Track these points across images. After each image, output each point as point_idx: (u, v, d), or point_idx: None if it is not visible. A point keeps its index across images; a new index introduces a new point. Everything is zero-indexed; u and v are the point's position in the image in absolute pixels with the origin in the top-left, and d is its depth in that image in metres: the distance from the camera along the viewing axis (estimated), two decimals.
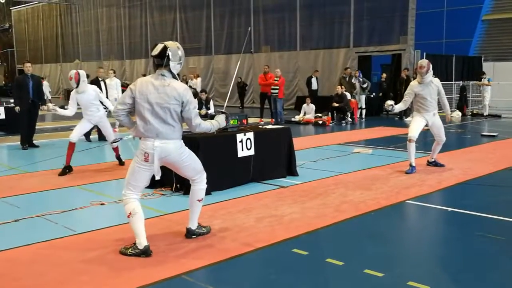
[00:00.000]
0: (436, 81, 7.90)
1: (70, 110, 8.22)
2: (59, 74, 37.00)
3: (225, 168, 6.73)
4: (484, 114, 18.27)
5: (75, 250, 4.48)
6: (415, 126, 7.85)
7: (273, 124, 11.19)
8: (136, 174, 4.31)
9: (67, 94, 32.13)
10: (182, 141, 4.39)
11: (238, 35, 24.86)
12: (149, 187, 6.80)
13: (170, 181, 6.64)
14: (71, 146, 8.09)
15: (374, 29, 19.82)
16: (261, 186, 6.92)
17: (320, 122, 15.66)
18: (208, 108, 14.24)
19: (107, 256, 4.32)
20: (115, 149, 8.69)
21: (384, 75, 19.42)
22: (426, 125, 7.96)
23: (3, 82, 39.43)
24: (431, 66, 7.74)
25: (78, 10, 34.68)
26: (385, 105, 8.00)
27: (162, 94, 4.16)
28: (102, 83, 12.49)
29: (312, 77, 19.05)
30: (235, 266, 4.15)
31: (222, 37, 25.48)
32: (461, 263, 4.17)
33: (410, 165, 7.75)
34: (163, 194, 6.51)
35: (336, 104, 16.06)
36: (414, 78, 17.31)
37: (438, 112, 8.03)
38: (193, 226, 4.73)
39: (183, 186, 6.52)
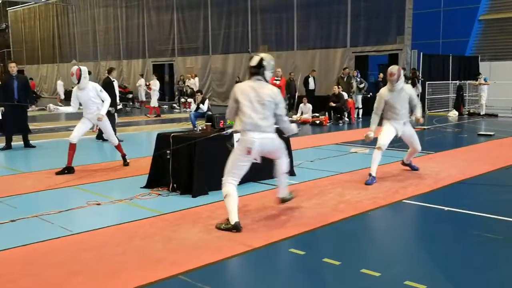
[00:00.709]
0: (408, 88, 7.47)
1: (72, 107, 8.18)
2: (56, 75, 36.91)
3: (222, 168, 6.69)
4: (481, 114, 18.31)
5: (71, 251, 4.46)
6: (385, 134, 7.30)
7: None
8: (237, 165, 5.01)
9: (66, 94, 32.12)
10: (275, 133, 5.14)
11: (235, 35, 24.85)
12: (145, 187, 6.82)
13: (167, 181, 6.63)
14: (72, 147, 8.05)
15: (371, 29, 19.84)
16: (258, 186, 6.91)
17: (317, 122, 15.66)
18: (201, 106, 14.09)
19: (104, 257, 4.30)
20: (120, 149, 8.65)
21: (381, 75, 19.42)
22: (397, 135, 7.42)
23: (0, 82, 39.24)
24: (402, 72, 7.27)
25: (75, 11, 34.61)
26: (365, 138, 7.44)
27: (260, 93, 4.96)
28: (114, 84, 12.49)
29: (309, 76, 19.06)
30: (232, 266, 4.14)
31: (220, 37, 25.47)
32: (457, 262, 4.17)
33: (370, 174, 7.08)
34: (159, 194, 6.49)
35: (333, 104, 16.06)
36: (410, 78, 17.41)
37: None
38: (283, 194, 5.56)
39: (179, 186, 6.51)
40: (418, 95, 17.48)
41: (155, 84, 20.24)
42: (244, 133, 4.96)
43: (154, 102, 19.95)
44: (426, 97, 18.55)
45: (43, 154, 10.62)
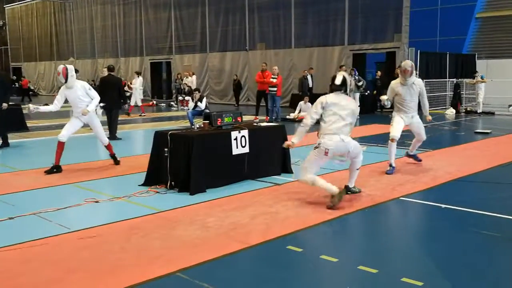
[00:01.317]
0: (419, 82, 7.75)
1: (53, 105, 8.02)
2: (53, 72, 36.82)
3: (220, 166, 6.73)
4: (478, 112, 18.35)
5: (69, 248, 4.47)
6: (396, 126, 7.70)
7: (268, 122, 11.18)
8: (314, 163, 5.86)
9: None
10: (351, 137, 5.90)
11: (233, 32, 24.84)
12: (143, 184, 6.83)
13: (165, 178, 6.64)
14: (60, 145, 7.95)
15: (368, 27, 19.87)
16: (256, 184, 6.92)
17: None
18: (199, 104, 14.09)
19: (101, 254, 4.31)
20: (109, 148, 8.57)
21: (379, 72, 19.46)
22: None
23: None
24: (414, 68, 7.59)
25: (73, 8, 34.53)
26: (381, 100, 8.14)
27: (344, 105, 5.84)
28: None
29: (307, 74, 19.07)
30: (230, 263, 4.15)
31: (217, 35, 25.46)
32: (454, 259, 4.19)
33: (390, 165, 7.60)
34: (157, 192, 6.50)
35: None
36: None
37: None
38: (351, 184, 6.24)
39: (177, 183, 6.52)
40: None
41: (136, 82, 19.36)
42: (326, 136, 5.75)
43: (136, 101, 19.08)
44: None
45: (41, 152, 10.61)
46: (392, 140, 7.64)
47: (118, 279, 3.79)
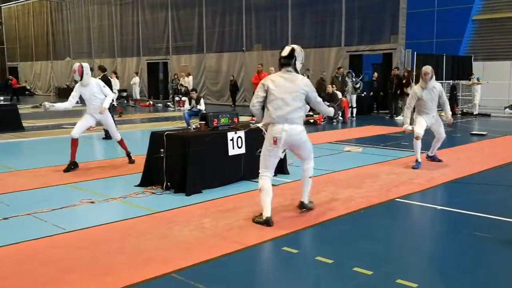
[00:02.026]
0: (438, 86, 8.15)
1: (68, 102, 8.10)
2: (49, 72, 36.77)
3: (216, 166, 6.73)
4: (474, 113, 18.40)
5: (64, 248, 4.46)
6: (420, 124, 8.14)
7: None
8: (266, 157, 5.13)
9: (59, 92, 32.00)
10: (303, 126, 5.17)
11: (229, 33, 24.84)
12: (139, 185, 6.82)
13: (161, 179, 6.63)
14: (74, 142, 8.04)
15: (365, 28, 19.90)
16: (252, 185, 6.92)
17: (311, 120, 15.68)
18: (199, 106, 14.15)
19: (97, 255, 4.30)
20: (124, 146, 8.63)
21: (376, 74, 19.49)
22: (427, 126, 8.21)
23: None
24: (433, 72, 8.01)
25: (69, 8, 34.47)
26: (404, 131, 8.51)
27: (293, 85, 5.01)
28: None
29: (303, 75, 19.09)
30: (225, 264, 4.15)
31: (214, 36, 25.46)
32: (449, 261, 4.20)
33: (417, 160, 8.07)
34: (153, 193, 6.49)
35: (327, 103, 16.08)
36: (404, 77, 17.45)
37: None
38: (305, 200, 5.48)
39: (173, 184, 6.52)
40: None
41: (113, 83, 19.28)
42: (273, 125, 5.02)
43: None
44: None
45: (37, 152, 10.59)
46: (417, 137, 8.05)
47: (114, 280, 3.79)
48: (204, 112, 11.18)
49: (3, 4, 41.42)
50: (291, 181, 7.14)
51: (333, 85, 16.54)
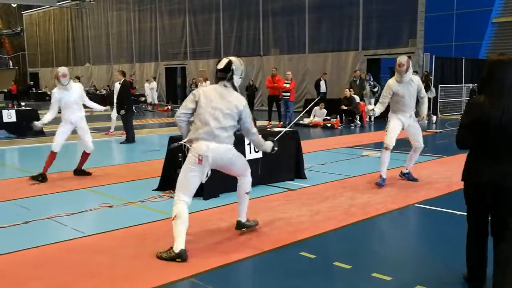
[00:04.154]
0: (417, 80, 7.26)
1: (52, 112, 7.79)
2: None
3: None
4: None
5: (83, 253, 4.50)
6: (391, 132, 7.13)
7: (281, 127, 11.17)
8: (187, 178, 4.45)
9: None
10: (232, 145, 4.61)
11: (247, 38, 24.91)
12: (157, 189, 6.86)
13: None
14: (53, 155, 7.74)
15: (383, 32, 19.76)
16: (269, 189, 6.92)
17: (329, 125, 15.64)
18: None
19: (115, 259, 4.34)
20: (84, 159, 8.12)
21: None
22: (402, 128, 7.27)
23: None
24: (410, 63, 7.10)
25: (89, 14, 34.92)
26: (366, 110, 7.54)
27: (226, 101, 4.46)
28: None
29: (320, 79, 19.05)
30: (242, 269, 4.15)
31: (231, 40, 25.54)
32: None
33: (381, 176, 7.06)
34: (171, 197, 6.50)
35: (344, 107, 16.04)
36: (423, 81, 17.28)
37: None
38: (243, 219, 4.97)
39: None
40: (431, 99, 17.42)
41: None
42: (197, 141, 4.42)
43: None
44: (439, 100, 18.43)
45: (57, 156, 10.72)
46: (386, 148, 7.10)
47: (132, 284, 3.81)
48: None
49: (25, 11, 42.14)
50: (309, 186, 7.12)
51: (351, 89, 16.48)
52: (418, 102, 7.47)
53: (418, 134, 7.35)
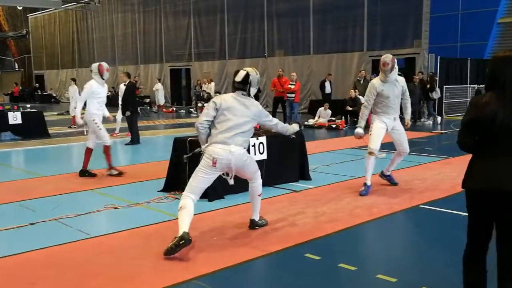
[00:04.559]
0: (402, 80, 6.91)
1: (80, 105, 8.17)
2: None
3: None
4: None
5: (89, 254, 4.52)
6: (376, 135, 6.74)
7: None
8: (197, 179, 4.71)
9: None
10: (246, 149, 4.88)
11: (251, 39, 24.93)
12: (162, 190, 6.87)
13: (184, 185, 6.65)
14: (106, 149, 8.14)
15: (387, 33, 19.73)
16: (274, 191, 6.91)
17: (334, 126, 15.62)
18: None
19: (121, 260, 4.35)
20: (87, 158, 8.14)
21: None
22: (387, 131, 6.88)
23: (20, 88, 39.97)
24: (396, 62, 6.71)
25: (94, 16, 35.05)
26: (355, 136, 7.01)
27: (246, 109, 4.77)
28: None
29: (325, 80, 19.04)
30: (246, 271, 4.15)
31: (236, 42, 25.57)
32: None
33: (365, 184, 6.67)
34: (176, 198, 6.53)
35: (349, 108, 16.02)
36: (428, 82, 17.22)
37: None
38: (256, 217, 5.19)
39: None
40: (435, 100, 17.37)
41: (72, 91, 17.53)
42: (216, 145, 4.67)
43: (72, 111, 16.72)
44: (444, 101, 18.38)
45: (62, 158, 10.77)
46: (371, 153, 6.70)
47: (137, 285, 3.82)
48: None
49: (30, 14, 42.34)
50: (314, 187, 7.11)
51: (356, 90, 16.45)
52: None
53: (403, 139, 6.96)
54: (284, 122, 15.63)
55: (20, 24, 45.18)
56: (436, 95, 17.06)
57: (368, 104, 6.85)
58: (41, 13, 40.97)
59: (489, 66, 3.09)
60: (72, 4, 33.65)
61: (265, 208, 5.97)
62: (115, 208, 6.12)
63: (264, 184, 6.98)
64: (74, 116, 16.17)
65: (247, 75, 4.85)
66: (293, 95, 15.54)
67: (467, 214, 3.16)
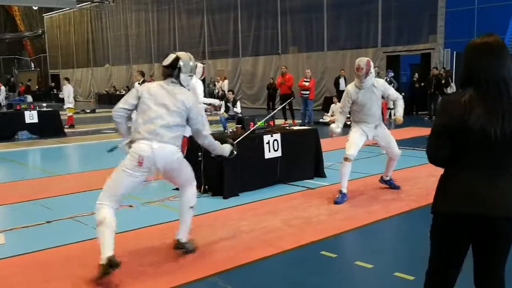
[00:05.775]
0: (381, 83, 6.29)
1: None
2: (90, 79, 37.69)
3: (252, 169, 6.72)
4: None
5: None
6: (353, 141, 6.25)
7: (299, 125, 11.13)
8: (119, 181, 4.03)
9: (99, 98, 32.73)
10: (178, 148, 4.14)
11: (265, 36, 24.87)
12: (177, 189, 6.86)
13: (199, 183, 6.65)
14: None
15: (402, 28, 19.54)
16: (288, 188, 6.88)
17: (348, 123, 15.48)
18: (235, 109, 14.30)
19: (136, 258, 4.35)
20: None
21: (417, 75, 19.10)
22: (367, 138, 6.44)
23: (36, 87, 40.41)
24: (372, 66, 6.09)
25: (108, 16, 35.28)
26: (331, 130, 6.54)
27: (172, 98, 4.00)
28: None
29: (340, 77, 18.91)
30: (263, 268, 4.12)
31: (249, 39, 25.53)
32: None
33: (341, 191, 6.08)
34: None
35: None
36: (443, 77, 17.00)
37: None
38: (184, 238, 4.35)
39: (211, 187, 6.54)
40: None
41: (67, 91, 17.06)
42: (138, 141, 3.96)
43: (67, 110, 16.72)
44: None
45: (77, 157, 10.85)
46: (346, 159, 6.15)
47: (153, 283, 3.82)
48: (240, 115, 11.22)
49: (46, 14, 42.75)
50: (328, 184, 7.06)
51: None
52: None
53: (392, 144, 6.44)
54: (292, 119, 15.42)
55: (36, 24, 45.65)
56: (451, 90, 16.85)
57: (342, 111, 6.40)
58: (56, 12, 41.34)
59: (464, 56, 2.42)
60: (87, 3, 33.90)
61: (279, 205, 5.95)
62: (130, 206, 6.12)
63: (278, 181, 7.01)
64: (69, 116, 16.68)
65: (177, 59, 4.06)
66: (307, 92, 15.46)
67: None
